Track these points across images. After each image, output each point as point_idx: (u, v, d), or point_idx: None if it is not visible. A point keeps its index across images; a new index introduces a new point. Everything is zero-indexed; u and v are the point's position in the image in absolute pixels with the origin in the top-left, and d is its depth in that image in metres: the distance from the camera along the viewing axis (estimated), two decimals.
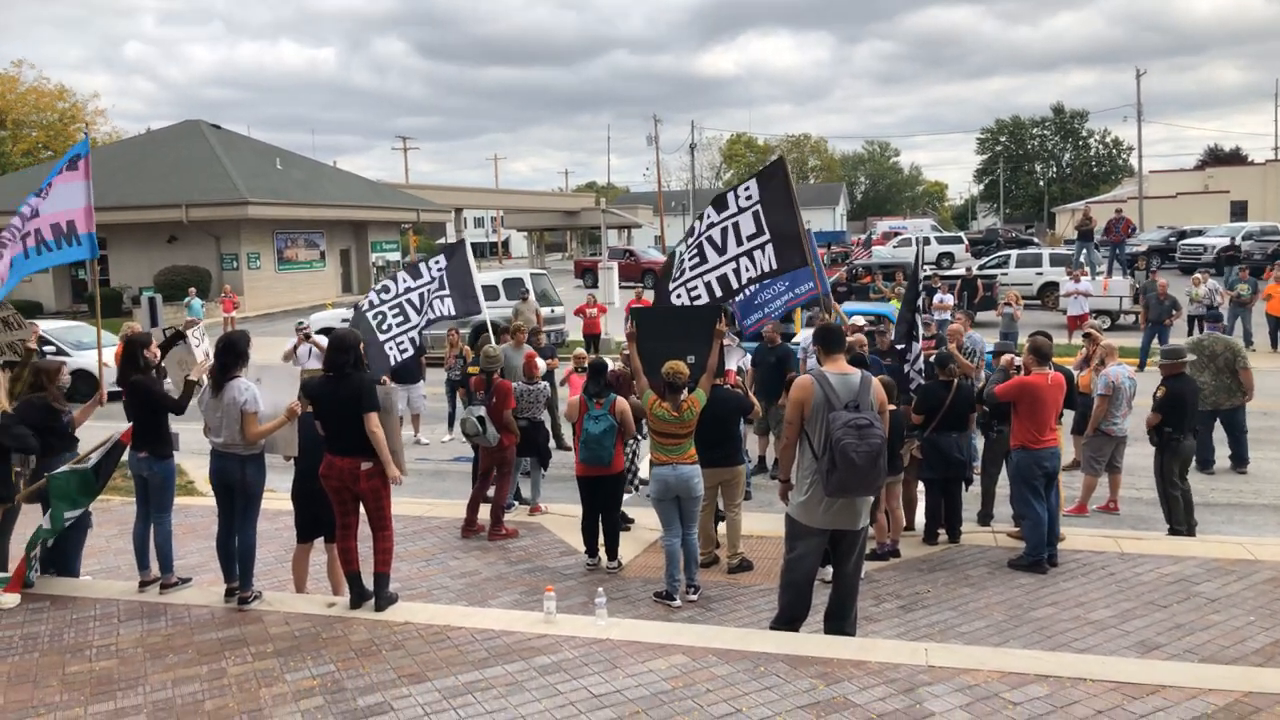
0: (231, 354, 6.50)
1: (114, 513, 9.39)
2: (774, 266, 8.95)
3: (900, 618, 6.84)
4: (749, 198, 8.89)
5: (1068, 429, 9.59)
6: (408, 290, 9.84)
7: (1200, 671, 5.46)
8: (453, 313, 10.02)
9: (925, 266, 31.54)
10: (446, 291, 9.90)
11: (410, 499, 10.29)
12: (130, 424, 6.79)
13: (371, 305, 9.76)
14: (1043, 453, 7.82)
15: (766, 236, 8.85)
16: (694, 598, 7.24)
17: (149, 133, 46.87)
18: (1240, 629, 6.44)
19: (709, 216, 9.08)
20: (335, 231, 42.48)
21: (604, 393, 7.88)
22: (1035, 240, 49.60)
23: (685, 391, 7.19)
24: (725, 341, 8.05)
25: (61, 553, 7.29)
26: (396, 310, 9.71)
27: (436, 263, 10.11)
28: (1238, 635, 6.34)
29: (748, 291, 10.13)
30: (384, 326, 9.59)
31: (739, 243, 8.92)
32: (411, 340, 9.72)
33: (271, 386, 6.60)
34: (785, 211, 8.80)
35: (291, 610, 6.53)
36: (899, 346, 9.40)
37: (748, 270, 8.97)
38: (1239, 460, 11.12)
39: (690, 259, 9.08)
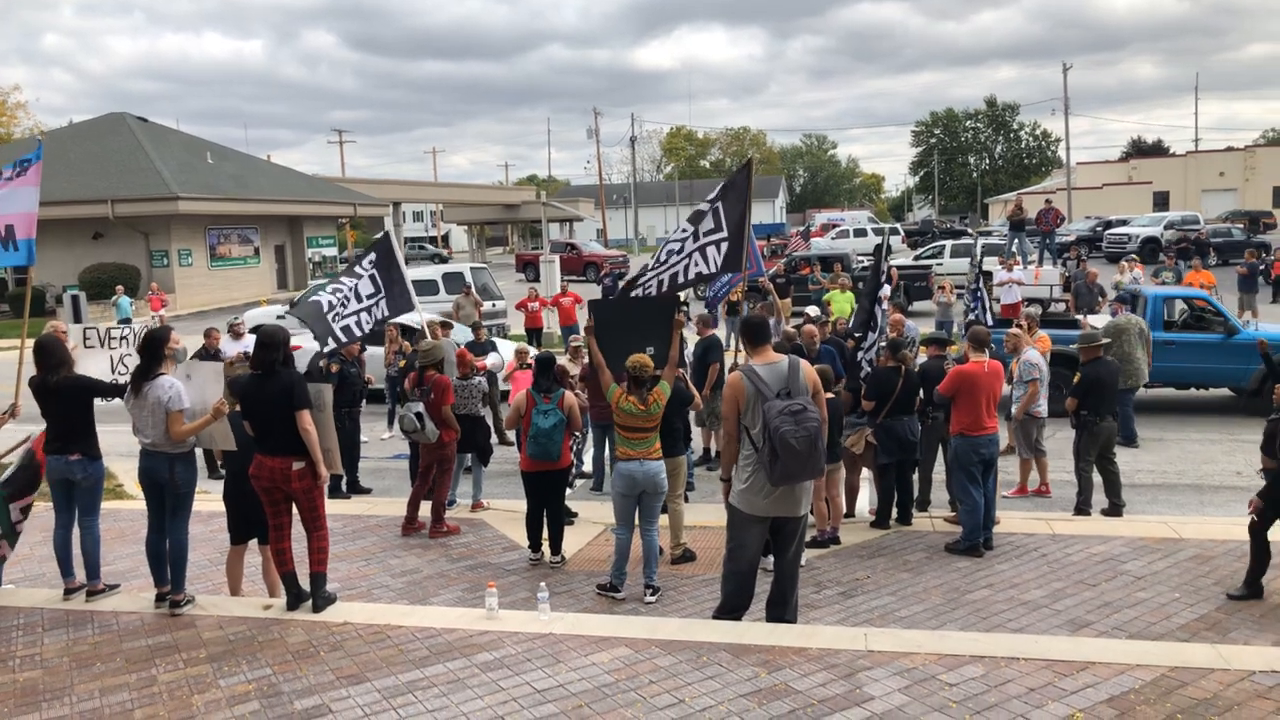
0: (151, 352, 6.28)
1: (38, 518, 9.06)
2: (718, 267, 9.05)
3: (841, 604, 6.93)
4: (715, 197, 9.01)
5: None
6: (352, 288, 9.79)
7: (1128, 648, 5.62)
8: (386, 314, 9.90)
9: (863, 258, 32.06)
10: (381, 295, 9.79)
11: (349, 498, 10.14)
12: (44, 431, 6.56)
13: (329, 304, 9.63)
14: (980, 439, 7.98)
15: (724, 234, 8.95)
16: (653, 600, 7.07)
17: (71, 125, 45.38)
18: (1166, 605, 6.65)
19: (688, 230, 9.15)
20: (270, 227, 41.60)
21: (552, 388, 7.83)
22: (969, 231, 50.60)
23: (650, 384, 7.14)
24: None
25: None
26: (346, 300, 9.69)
27: (370, 261, 10.00)
28: (1163, 612, 6.54)
29: (704, 288, 10.33)
30: (331, 311, 9.52)
31: (696, 239, 9.01)
32: (345, 330, 9.59)
33: (199, 383, 6.42)
34: (740, 213, 8.93)
35: (226, 614, 6.38)
36: (856, 335, 9.52)
37: (698, 266, 9.03)
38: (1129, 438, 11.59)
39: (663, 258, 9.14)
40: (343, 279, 9.95)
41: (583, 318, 10.74)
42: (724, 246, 8.94)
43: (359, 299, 9.65)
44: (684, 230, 9.19)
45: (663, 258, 9.17)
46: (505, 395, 11.09)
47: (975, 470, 7.96)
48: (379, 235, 10.36)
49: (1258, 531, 6.75)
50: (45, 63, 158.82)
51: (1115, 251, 35.07)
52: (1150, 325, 13.31)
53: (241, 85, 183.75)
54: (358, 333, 9.66)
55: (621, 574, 7.20)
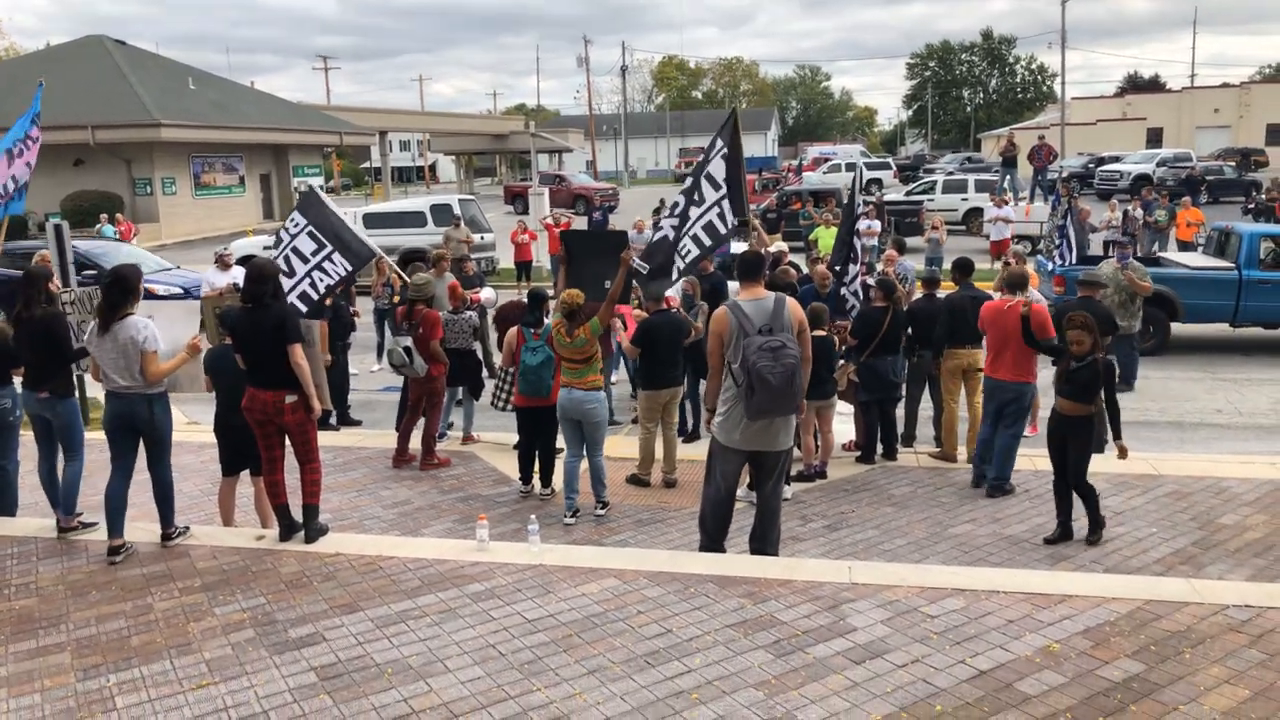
0: (119, 289, 6.03)
1: (27, 447, 9.07)
2: (730, 222, 8.95)
3: (826, 537, 7.05)
4: (719, 149, 8.86)
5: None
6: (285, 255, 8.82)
7: (1104, 581, 5.75)
8: (349, 267, 8.84)
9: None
10: (330, 248, 8.73)
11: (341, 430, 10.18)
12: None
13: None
14: (989, 381, 7.92)
15: (724, 191, 8.87)
16: (602, 512, 7.51)
17: (48, 49, 44.27)
18: (1142, 540, 6.80)
19: (687, 183, 9.03)
20: (255, 155, 40.97)
21: (541, 323, 7.86)
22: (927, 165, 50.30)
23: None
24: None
25: None
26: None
27: (293, 221, 8.95)
28: (1140, 546, 6.69)
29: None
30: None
31: (715, 188, 8.91)
32: (301, 297, 8.65)
33: (166, 323, 6.25)
34: (736, 165, 8.85)
35: (219, 544, 6.44)
36: (836, 269, 9.52)
37: (725, 216, 8.97)
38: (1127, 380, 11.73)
39: (682, 227, 8.91)
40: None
41: None
42: (725, 203, 8.88)
43: (303, 259, 8.68)
44: (681, 205, 8.97)
45: (684, 215, 8.93)
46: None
47: (989, 408, 7.97)
48: (304, 192, 9.24)
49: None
50: None
51: (1107, 189, 34.94)
52: (1245, 264, 13.22)
53: (221, 8, 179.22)
54: (315, 296, 8.75)
55: (570, 497, 7.49)
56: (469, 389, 9.67)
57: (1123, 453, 6.75)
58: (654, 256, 8.90)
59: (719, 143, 8.81)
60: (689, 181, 8.96)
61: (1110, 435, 6.84)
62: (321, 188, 44.95)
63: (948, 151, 73.34)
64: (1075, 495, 6.86)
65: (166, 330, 6.23)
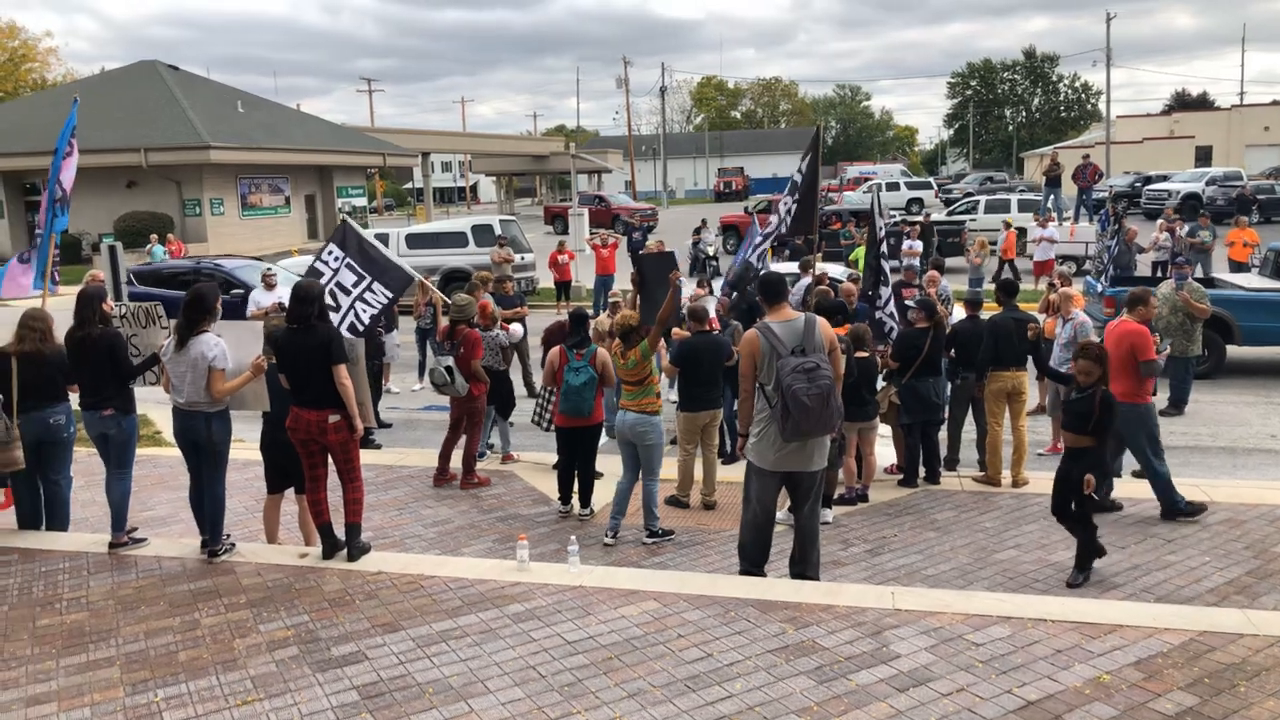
0: (199, 308, 6.32)
1: (80, 464, 9.27)
2: (787, 228, 9.22)
3: (868, 561, 6.97)
4: (801, 171, 9.21)
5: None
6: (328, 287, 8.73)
7: (1156, 611, 5.62)
8: (390, 295, 8.94)
9: (894, 213, 31.63)
10: (369, 279, 8.81)
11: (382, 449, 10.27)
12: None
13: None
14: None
15: (795, 197, 9.13)
16: (650, 541, 7.40)
17: (103, 73, 45.49)
18: (1195, 569, 6.63)
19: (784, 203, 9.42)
20: (300, 176, 41.66)
21: (585, 344, 7.89)
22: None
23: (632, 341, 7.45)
24: (698, 290, 8.15)
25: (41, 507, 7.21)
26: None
27: (331, 254, 8.92)
28: (1193, 575, 6.53)
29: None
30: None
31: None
32: (349, 329, 8.74)
33: (234, 343, 6.44)
34: (811, 177, 9.11)
35: (264, 561, 6.53)
36: (869, 293, 9.48)
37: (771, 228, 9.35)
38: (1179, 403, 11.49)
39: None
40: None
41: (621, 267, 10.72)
42: (794, 209, 9.14)
43: (345, 292, 8.71)
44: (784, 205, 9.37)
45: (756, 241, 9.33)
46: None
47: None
48: (338, 225, 9.16)
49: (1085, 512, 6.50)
50: (70, 10, 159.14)
51: (1154, 208, 34.36)
52: None
53: (265, 33, 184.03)
54: (361, 327, 8.92)
55: (615, 519, 7.47)
56: (498, 408, 9.69)
57: (1086, 484, 6.36)
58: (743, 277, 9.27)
59: (809, 158, 9.02)
60: (789, 198, 9.23)
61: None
62: (365, 208, 45.54)
63: (990, 170, 72.78)
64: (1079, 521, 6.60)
65: (233, 349, 6.39)
